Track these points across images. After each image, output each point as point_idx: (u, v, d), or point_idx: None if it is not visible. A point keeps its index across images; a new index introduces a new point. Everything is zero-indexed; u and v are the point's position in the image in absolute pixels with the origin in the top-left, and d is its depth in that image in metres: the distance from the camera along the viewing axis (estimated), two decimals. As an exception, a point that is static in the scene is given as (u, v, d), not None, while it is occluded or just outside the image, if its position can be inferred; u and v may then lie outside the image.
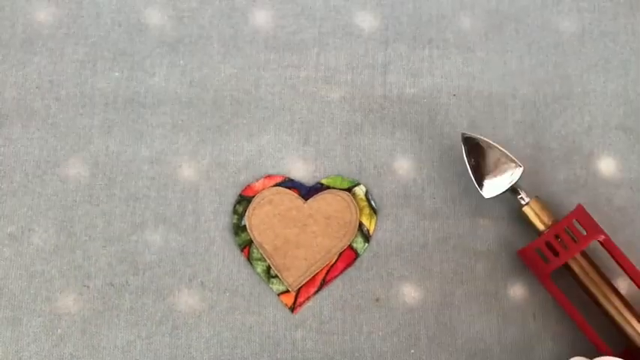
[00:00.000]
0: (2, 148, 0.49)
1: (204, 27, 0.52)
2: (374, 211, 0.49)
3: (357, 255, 0.49)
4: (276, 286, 0.48)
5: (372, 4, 0.53)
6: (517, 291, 0.49)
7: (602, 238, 0.45)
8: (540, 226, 0.47)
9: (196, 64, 0.51)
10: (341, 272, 0.49)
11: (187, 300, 0.47)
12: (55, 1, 0.52)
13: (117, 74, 0.51)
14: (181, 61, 0.51)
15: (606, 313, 0.46)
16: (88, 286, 0.47)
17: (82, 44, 0.51)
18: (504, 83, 0.52)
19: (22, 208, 0.48)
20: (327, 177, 0.50)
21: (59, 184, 0.49)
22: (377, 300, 0.48)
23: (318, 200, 0.49)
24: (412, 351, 0.48)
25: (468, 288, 0.49)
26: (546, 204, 0.48)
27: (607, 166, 0.51)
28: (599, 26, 0.54)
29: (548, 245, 0.46)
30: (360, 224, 0.49)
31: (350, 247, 0.49)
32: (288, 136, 0.51)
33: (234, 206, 0.49)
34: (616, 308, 0.45)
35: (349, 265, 0.49)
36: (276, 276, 0.48)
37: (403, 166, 0.50)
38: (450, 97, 0.52)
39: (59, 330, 0.47)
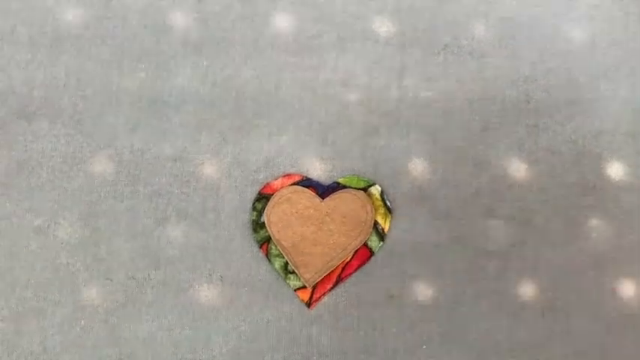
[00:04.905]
0: (30, 144, 0.50)
1: (227, 30, 0.53)
2: (389, 210, 0.51)
3: (372, 253, 0.50)
4: (293, 282, 0.49)
5: (390, 10, 0.55)
6: (527, 290, 0.50)
7: None
8: None
9: (219, 65, 0.53)
10: (356, 269, 0.50)
11: (207, 294, 0.49)
12: (83, 3, 0.53)
13: (142, 74, 0.52)
14: (204, 63, 0.53)
15: None
16: (111, 279, 0.49)
17: (109, 44, 0.53)
18: (517, 88, 0.54)
19: (49, 203, 0.50)
20: (343, 177, 0.51)
21: (84, 180, 0.50)
22: (391, 297, 0.50)
23: (335, 199, 0.51)
24: (424, 347, 0.49)
25: (479, 287, 0.50)
26: None
27: (616, 170, 0.52)
28: (610, 34, 0.55)
29: None
30: (375, 223, 0.51)
31: (365, 245, 0.50)
32: (307, 136, 0.52)
33: (254, 204, 0.51)
34: None
35: (364, 262, 0.50)
36: (293, 272, 0.50)
37: (418, 167, 0.52)
38: (463, 101, 0.53)
39: (82, 321, 0.48)
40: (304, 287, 0.49)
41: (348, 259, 0.50)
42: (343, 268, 0.50)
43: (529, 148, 0.52)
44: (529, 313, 0.50)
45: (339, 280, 0.50)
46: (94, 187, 0.50)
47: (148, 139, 0.51)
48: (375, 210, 0.51)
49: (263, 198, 0.51)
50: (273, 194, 0.51)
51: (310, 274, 0.50)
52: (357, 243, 0.50)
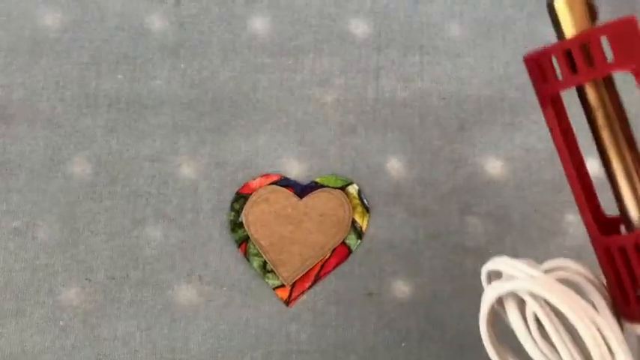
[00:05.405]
0: (9, 147, 0.51)
1: (204, 32, 0.54)
2: (366, 209, 0.51)
3: (350, 251, 0.51)
4: (272, 281, 0.50)
5: (366, 11, 0.55)
6: (504, 286, 0.50)
7: (632, 68, 0.30)
8: (570, 31, 0.31)
9: (196, 67, 0.53)
10: (334, 268, 0.50)
11: (186, 294, 0.49)
12: (61, 6, 0.54)
13: (120, 77, 0.53)
14: (182, 65, 0.53)
15: (610, 169, 0.33)
16: (89, 280, 0.49)
17: (87, 48, 0.53)
18: (492, 88, 0.54)
19: (28, 204, 0.50)
20: (321, 176, 0.52)
21: (63, 182, 0.51)
22: (369, 294, 0.50)
23: (313, 198, 0.51)
24: (403, 344, 0.49)
25: (457, 283, 0.50)
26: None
27: (591, 167, 0.52)
28: (583, 34, 0.56)
29: (568, 56, 0.31)
30: (353, 221, 0.51)
31: (343, 243, 0.51)
32: (284, 136, 0.53)
33: (232, 204, 0.51)
34: (624, 163, 0.32)
35: (342, 260, 0.51)
36: (271, 271, 0.50)
37: (394, 166, 0.52)
38: (439, 101, 0.54)
39: (62, 322, 0.48)
40: (283, 286, 0.50)
41: (327, 258, 0.51)
42: (322, 266, 0.50)
43: (505, 146, 0.53)
44: (506, 308, 0.50)
45: (318, 278, 0.50)
46: (72, 189, 0.50)
47: (125, 141, 0.52)
48: (353, 209, 0.51)
49: (241, 198, 0.51)
50: (251, 194, 0.51)
51: (289, 273, 0.50)
52: (335, 241, 0.51)
